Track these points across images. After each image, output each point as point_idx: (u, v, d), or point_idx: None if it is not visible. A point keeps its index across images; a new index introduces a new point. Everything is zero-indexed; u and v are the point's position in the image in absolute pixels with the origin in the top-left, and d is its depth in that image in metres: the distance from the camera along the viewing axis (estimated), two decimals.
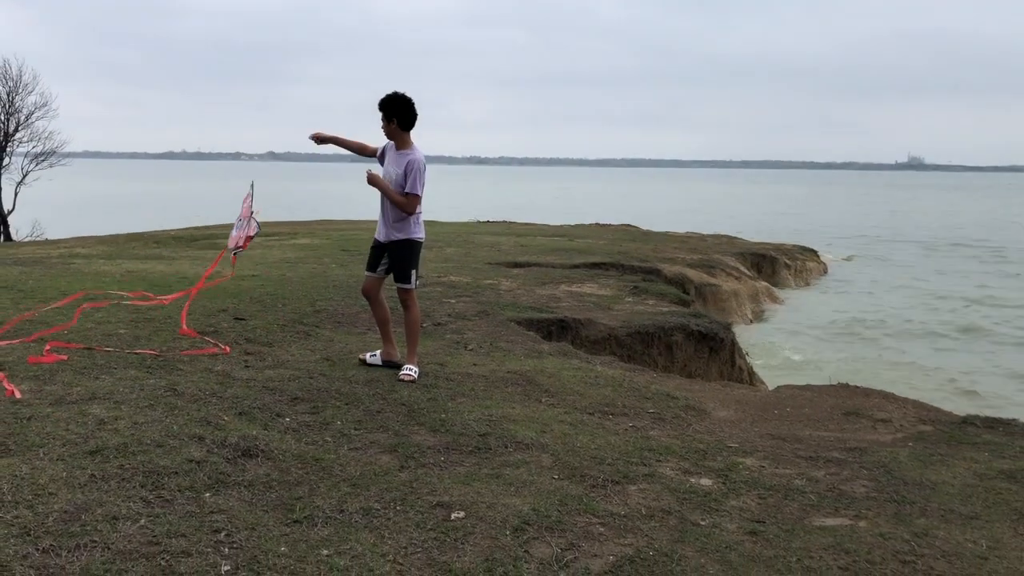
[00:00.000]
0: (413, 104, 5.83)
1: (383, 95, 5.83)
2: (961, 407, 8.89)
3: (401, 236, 5.99)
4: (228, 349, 6.42)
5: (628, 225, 27.74)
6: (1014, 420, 5.72)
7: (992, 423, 5.58)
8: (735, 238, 25.42)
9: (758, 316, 16.77)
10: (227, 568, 3.08)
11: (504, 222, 27.01)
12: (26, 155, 28.50)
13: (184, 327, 6.88)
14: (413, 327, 6.08)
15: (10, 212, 27.60)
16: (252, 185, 7.10)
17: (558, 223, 27.25)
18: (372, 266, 6.17)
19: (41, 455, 3.92)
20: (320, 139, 6.22)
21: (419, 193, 5.92)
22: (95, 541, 3.17)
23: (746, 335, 14.50)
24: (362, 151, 6.25)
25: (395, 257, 6.04)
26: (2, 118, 27.88)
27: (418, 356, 6.14)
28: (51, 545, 3.10)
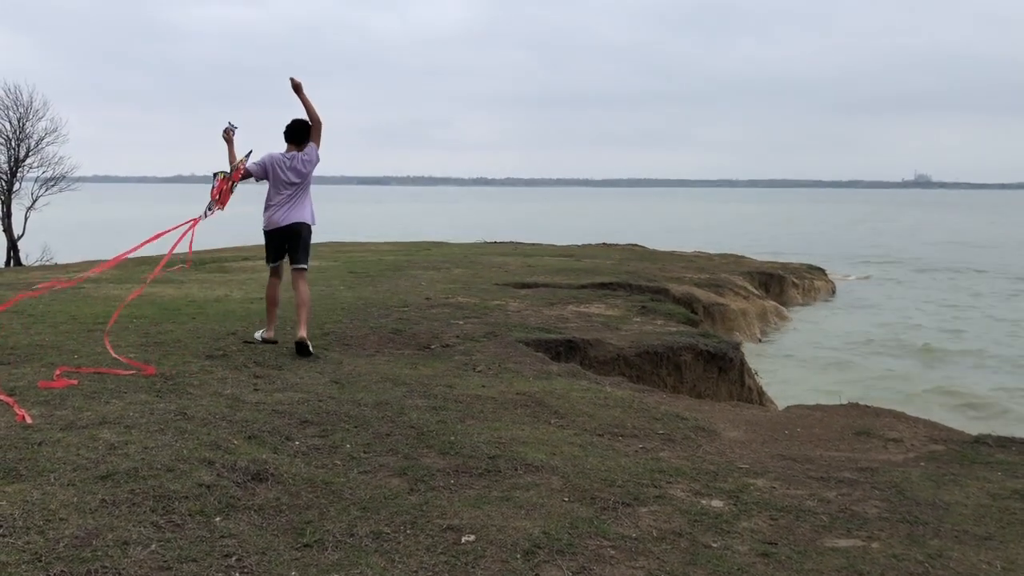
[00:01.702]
0: (290, 124, 7.43)
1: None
2: (973, 426, 8.83)
3: None
4: (152, 370, 6.25)
5: (635, 245, 27.77)
6: None
7: (1005, 442, 5.54)
8: (742, 257, 25.41)
9: (767, 335, 16.72)
10: None
11: (511, 243, 27.05)
12: (36, 180, 28.72)
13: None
14: None
15: (20, 237, 27.78)
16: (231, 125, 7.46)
17: (565, 243, 27.28)
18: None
19: (52, 480, 3.93)
20: (297, 88, 7.25)
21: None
22: (106, 567, 3.17)
23: (755, 354, 14.47)
24: (310, 120, 7.42)
25: None
26: (13, 144, 28.12)
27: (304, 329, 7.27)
28: (62, 571, 3.10)
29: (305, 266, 7.46)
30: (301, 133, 7.39)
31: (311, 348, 7.15)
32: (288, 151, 7.41)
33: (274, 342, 7.47)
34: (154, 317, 8.99)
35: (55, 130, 28.73)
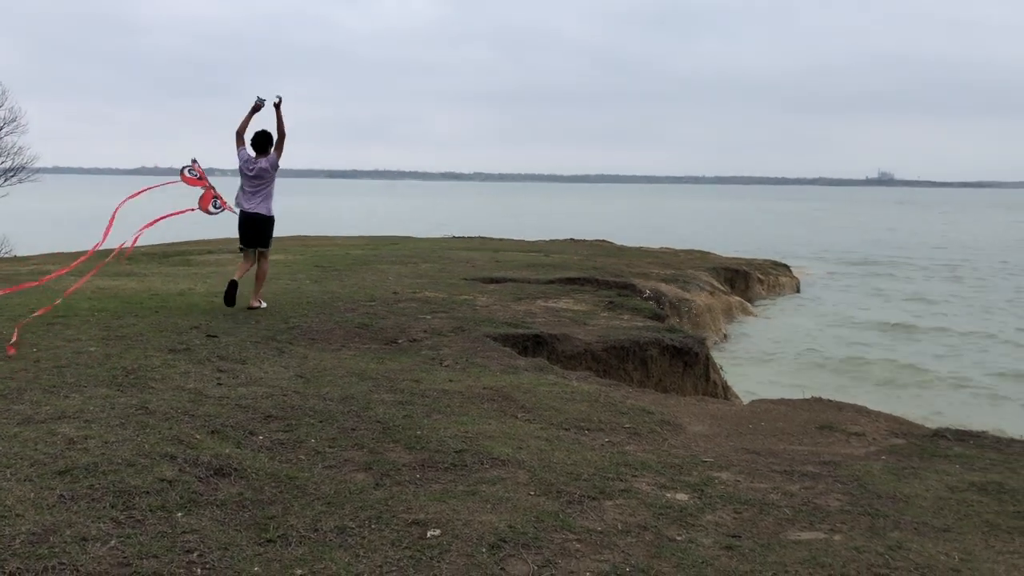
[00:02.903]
0: (256, 136, 9.27)
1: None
2: (932, 420, 8.98)
3: None
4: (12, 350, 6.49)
5: (602, 240, 27.83)
6: (984, 432, 5.79)
7: (963, 436, 5.64)
8: (708, 253, 25.58)
9: (732, 331, 16.87)
10: None
11: (479, 238, 27.00)
12: None
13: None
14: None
15: None
16: (194, 160, 9.46)
17: (533, 238, 27.29)
18: None
19: (8, 476, 3.86)
20: (277, 105, 9.02)
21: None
22: (63, 563, 3.11)
23: (720, 349, 14.59)
24: (278, 132, 9.33)
25: None
26: None
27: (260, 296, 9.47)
28: (18, 568, 3.04)
29: (267, 248, 9.51)
30: (264, 143, 9.26)
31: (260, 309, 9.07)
32: (256, 158, 9.27)
33: (234, 283, 9.05)
34: (116, 310, 8.87)
35: (14, 120, 28.20)
